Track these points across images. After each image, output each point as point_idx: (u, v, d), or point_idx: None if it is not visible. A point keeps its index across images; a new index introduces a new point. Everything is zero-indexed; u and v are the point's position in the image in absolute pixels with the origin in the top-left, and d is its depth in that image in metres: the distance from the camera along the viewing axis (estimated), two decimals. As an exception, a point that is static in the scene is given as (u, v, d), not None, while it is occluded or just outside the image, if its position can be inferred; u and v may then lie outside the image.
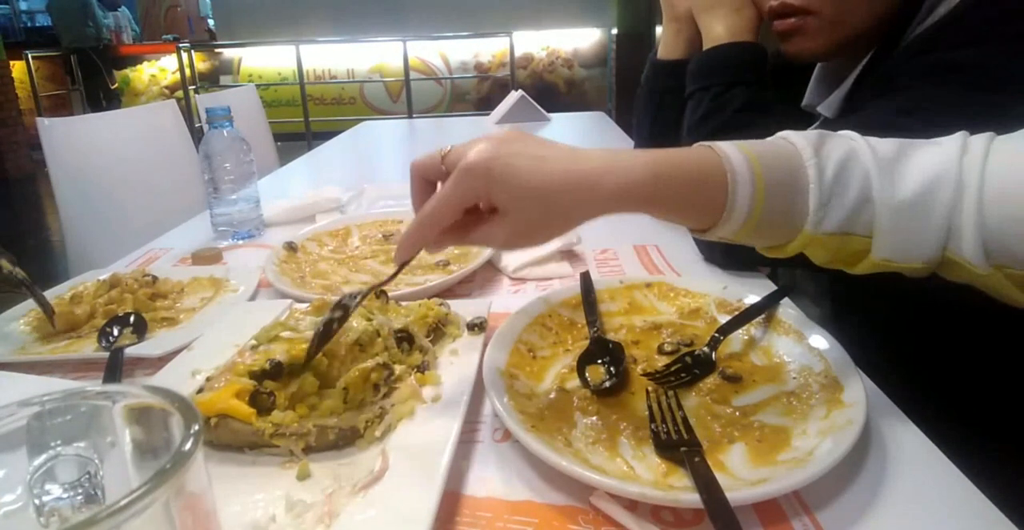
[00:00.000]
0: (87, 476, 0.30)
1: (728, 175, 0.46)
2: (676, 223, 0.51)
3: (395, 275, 0.54)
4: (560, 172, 0.46)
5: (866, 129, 0.67)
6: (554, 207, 0.46)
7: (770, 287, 0.73)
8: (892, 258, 0.48)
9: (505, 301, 0.75)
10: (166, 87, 6.55)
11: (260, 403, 0.49)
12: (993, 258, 0.46)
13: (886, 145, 0.49)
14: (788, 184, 0.47)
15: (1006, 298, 0.48)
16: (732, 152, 0.47)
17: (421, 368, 0.57)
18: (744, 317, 0.63)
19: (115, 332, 0.71)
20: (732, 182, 0.46)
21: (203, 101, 2.08)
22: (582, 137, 2.13)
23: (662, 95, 0.98)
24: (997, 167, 0.46)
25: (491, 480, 0.47)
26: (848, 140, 0.50)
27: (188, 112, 4.39)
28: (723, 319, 0.64)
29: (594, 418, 0.52)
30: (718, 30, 0.84)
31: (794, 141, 0.49)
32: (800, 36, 0.75)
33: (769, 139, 0.51)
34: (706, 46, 0.85)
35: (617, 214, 0.48)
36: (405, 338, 0.59)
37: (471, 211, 0.49)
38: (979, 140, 0.48)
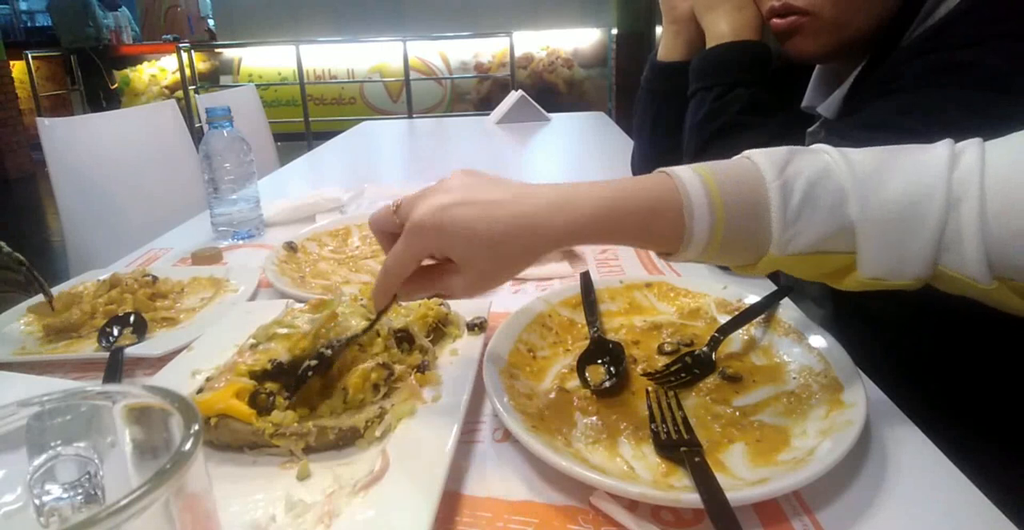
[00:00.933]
0: (87, 476, 0.30)
1: (684, 203, 0.46)
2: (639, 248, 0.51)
3: (373, 324, 0.56)
4: (507, 217, 0.46)
5: (866, 129, 0.67)
6: (503, 254, 0.47)
7: (770, 287, 0.73)
8: (880, 276, 0.46)
9: (505, 301, 0.75)
10: (166, 87, 6.55)
11: (260, 403, 0.49)
12: (998, 272, 0.44)
13: (863, 157, 0.47)
14: (749, 208, 0.46)
15: (1011, 309, 0.47)
16: (688, 178, 0.46)
17: (421, 368, 0.57)
18: (744, 317, 0.63)
19: (115, 332, 0.71)
20: (688, 210, 0.45)
21: (203, 101, 2.08)
22: (582, 137, 2.13)
23: (662, 97, 0.98)
24: (997, 181, 0.44)
25: (491, 480, 0.47)
26: (821, 155, 0.48)
27: (188, 112, 4.39)
28: (723, 319, 0.64)
29: (594, 418, 0.52)
30: (722, 28, 0.84)
31: (758, 162, 0.47)
32: (799, 36, 0.74)
33: (733, 159, 0.49)
34: (710, 44, 0.85)
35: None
36: (405, 338, 0.59)
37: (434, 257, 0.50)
38: (970, 151, 0.46)
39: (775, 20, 0.76)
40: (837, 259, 0.46)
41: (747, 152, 0.49)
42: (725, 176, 0.47)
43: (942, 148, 0.47)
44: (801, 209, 0.45)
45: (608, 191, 0.47)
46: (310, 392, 0.52)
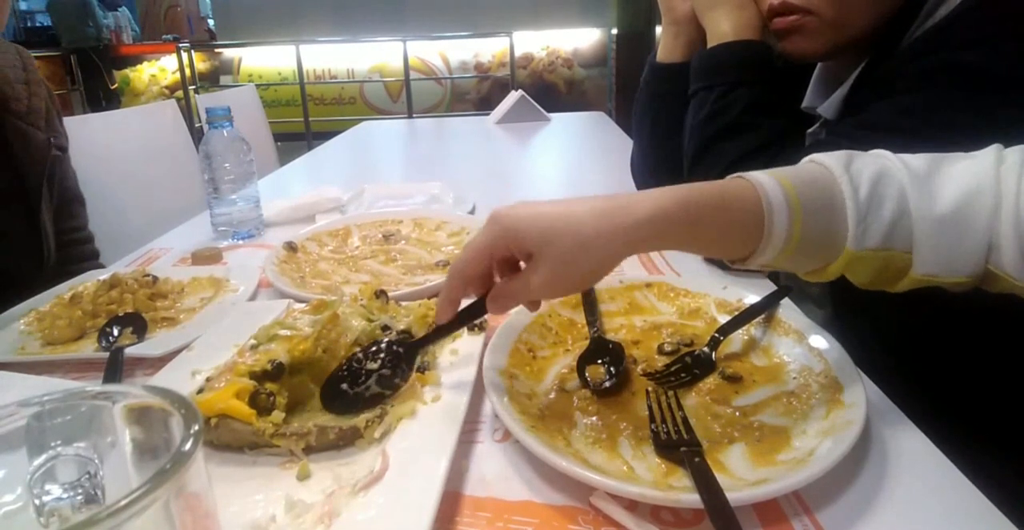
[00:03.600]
0: (87, 476, 0.30)
1: (762, 199, 0.46)
2: (713, 254, 0.50)
3: (433, 339, 0.56)
4: (587, 207, 0.46)
5: (866, 129, 0.67)
6: (587, 238, 0.45)
7: (770, 287, 0.73)
8: (935, 273, 0.47)
9: (505, 301, 0.75)
10: (166, 87, 6.55)
11: (260, 403, 0.49)
12: None
13: (918, 160, 0.49)
14: (824, 203, 0.47)
15: None
16: (763, 178, 0.47)
17: (421, 368, 0.57)
18: (744, 317, 0.63)
19: (115, 332, 0.71)
20: (767, 206, 0.46)
21: (203, 101, 2.08)
22: (582, 137, 2.13)
23: (661, 98, 0.97)
24: None
25: (491, 480, 0.47)
26: (878, 158, 0.49)
27: (188, 112, 4.39)
28: (723, 319, 0.64)
29: (594, 418, 0.52)
30: (723, 27, 0.83)
31: (822, 161, 0.49)
32: (799, 35, 0.74)
33: (797, 165, 0.50)
34: (711, 44, 0.84)
35: (651, 250, 0.48)
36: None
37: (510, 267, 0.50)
38: (1015, 153, 0.47)
39: (776, 19, 0.76)
40: (898, 257, 0.47)
41: (808, 157, 0.50)
42: (796, 176, 0.48)
43: (992, 150, 0.48)
44: (870, 202, 0.47)
45: (687, 188, 0.47)
46: (305, 392, 0.52)
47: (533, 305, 0.54)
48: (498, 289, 0.50)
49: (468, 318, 0.53)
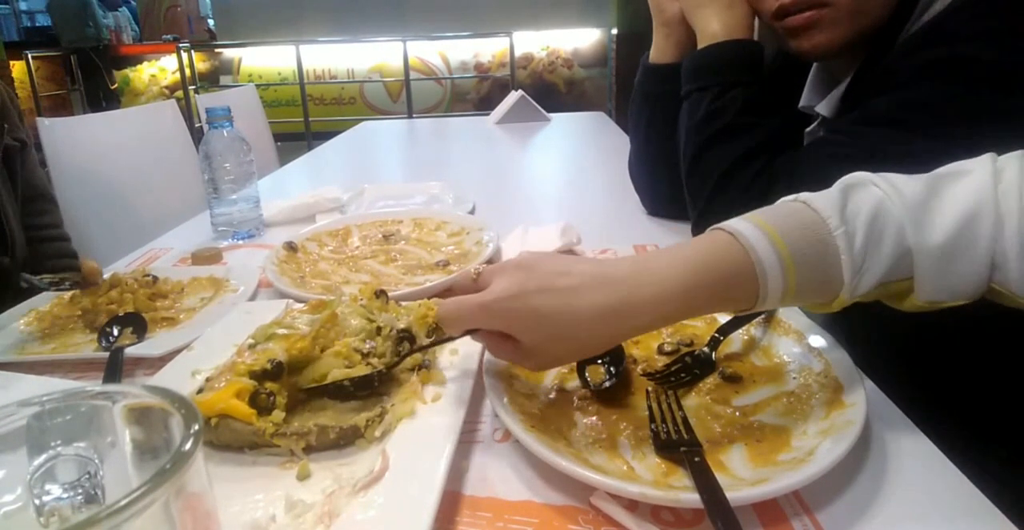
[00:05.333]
0: (87, 476, 0.30)
1: (755, 265, 0.46)
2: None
3: (433, 344, 0.57)
4: (587, 307, 0.46)
5: (865, 125, 0.67)
6: (583, 344, 0.49)
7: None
8: (937, 299, 0.47)
9: (505, 301, 0.75)
10: (166, 87, 6.54)
11: (260, 403, 0.49)
12: None
13: (912, 186, 0.47)
14: (818, 259, 0.46)
15: None
16: (754, 237, 0.46)
17: (421, 368, 0.57)
18: (744, 317, 0.63)
19: (115, 332, 0.71)
20: (761, 271, 0.46)
21: (203, 101, 2.08)
22: (582, 137, 2.13)
23: (655, 99, 0.97)
24: None
25: (491, 480, 0.47)
26: (873, 189, 0.48)
27: (188, 112, 4.39)
28: (723, 319, 0.64)
29: (594, 418, 0.52)
30: (713, 27, 0.83)
31: (817, 208, 0.47)
32: (816, 30, 0.73)
33: (790, 206, 0.49)
34: (701, 44, 0.84)
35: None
36: (406, 338, 0.59)
37: None
38: (1011, 167, 0.47)
39: (789, 18, 0.74)
40: (898, 285, 0.47)
41: (802, 196, 0.49)
42: (787, 227, 0.47)
43: (986, 165, 0.47)
44: (866, 250, 0.46)
45: (685, 270, 0.47)
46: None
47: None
48: (498, 350, 0.52)
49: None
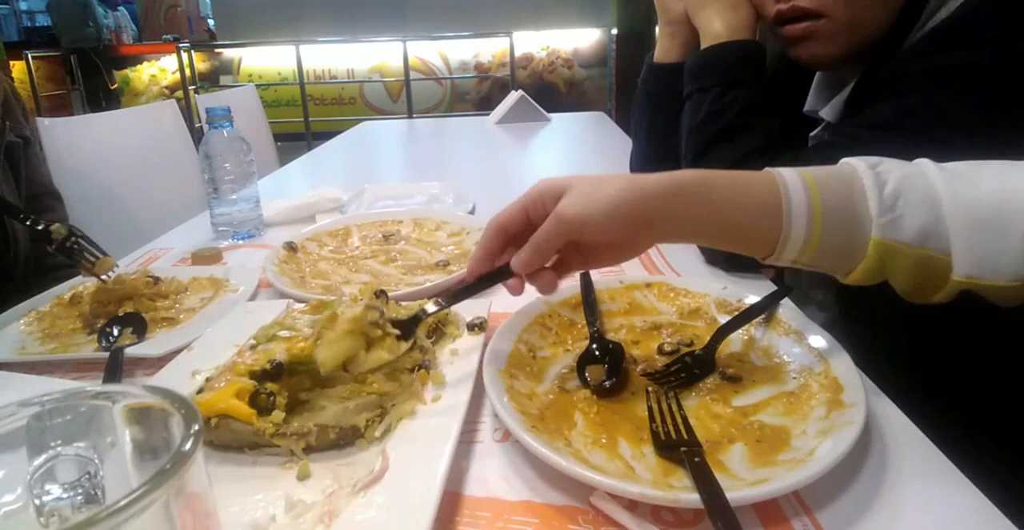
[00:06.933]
0: (87, 476, 0.30)
1: (776, 178, 0.48)
2: (735, 243, 0.52)
3: (458, 299, 0.58)
4: (612, 198, 0.49)
5: (868, 130, 0.67)
6: (608, 177, 0.50)
7: (770, 287, 0.73)
8: (976, 275, 0.46)
9: (505, 301, 0.75)
10: (166, 87, 6.55)
11: (260, 403, 0.49)
12: None
13: (954, 164, 0.49)
14: (844, 190, 0.47)
15: None
16: (778, 168, 0.49)
17: (421, 368, 0.57)
18: (744, 317, 0.63)
19: (115, 332, 0.71)
20: (781, 181, 0.47)
21: (203, 101, 2.08)
22: (582, 137, 2.13)
23: (659, 98, 0.97)
24: None
25: (491, 480, 0.47)
26: (909, 163, 0.50)
27: (188, 112, 4.39)
28: (723, 319, 0.64)
29: (594, 418, 0.52)
30: (716, 28, 0.83)
31: (848, 160, 0.50)
32: (813, 41, 0.73)
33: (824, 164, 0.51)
34: (704, 44, 0.84)
35: (677, 241, 0.52)
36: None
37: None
38: None
39: (787, 26, 0.74)
40: (937, 260, 0.47)
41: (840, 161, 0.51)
42: (815, 169, 0.49)
43: None
44: (896, 195, 0.46)
45: (705, 169, 0.50)
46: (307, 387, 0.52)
47: (558, 271, 0.56)
48: (530, 238, 0.52)
49: (495, 278, 0.55)
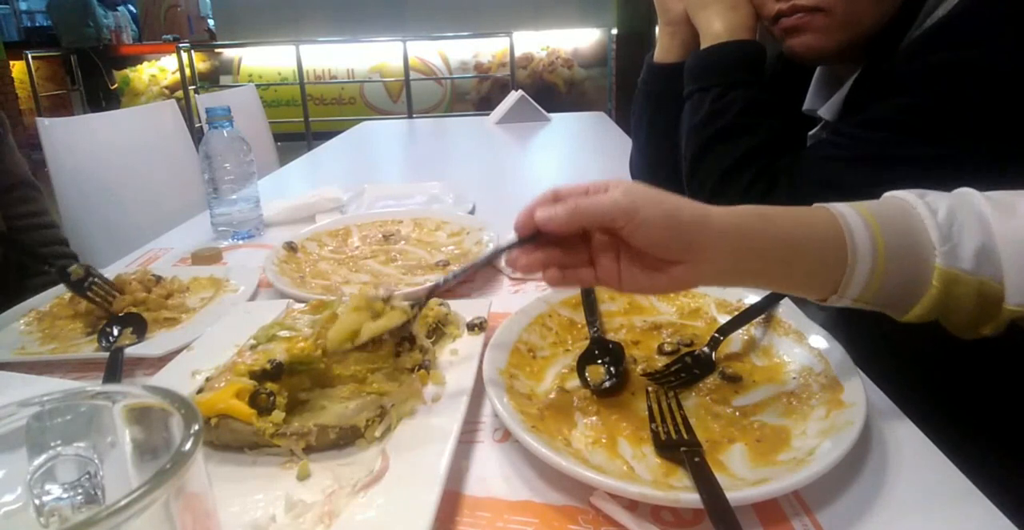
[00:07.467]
0: (87, 476, 0.30)
1: (832, 210, 0.47)
2: (799, 284, 0.49)
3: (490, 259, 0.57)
4: (674, 204, 0.46)
5: (867, 129, 0.67)
6: (670, 195, 0.46)
7: (770, 287, 0.73)
8: None
9: (505, 301, 0.75)
10: (166, 87, 6.55)
11: (260, 403, 0.49)
12: None
13: (994, 193, 0.48)
14: (901, 220, 0.46)
15: None
16: (832, 204, 0.48)
17: (422, 367, 0.57)
18: (744, 317, 0.63)
19: (115, 332, 0.71)
20: (843, 221, 0.46)
21: (203, 101, 2.08)
22: (582, 137, 2.13)
23: (659, 98, 0.97)
24: None
25: (491, 480, 0.47)
26: (950, 194, 0.49)
27: (188, 112, 4.39)
28: (723, 319, 0.64)
29: (594, 418, 0.52)
30: (716, 28, 0.83)
31: (894, 192, 0.49)
32: (808, 33, 0.73)
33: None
34: (704, 44, 0.84)
35: (727, 281, 0.50)
36: (406, 338, 0.59)
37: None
38: None
39: (783, 20, 0.75)
40: (989, 287, 0.46)
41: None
42: (867, 204, 0.48)
43: None
44: (950, 223, 0.46)
45: (761, 206, 0.49)
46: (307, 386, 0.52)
47: (578, 267, 0.48)
48: (581, 200, 0.46)
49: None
